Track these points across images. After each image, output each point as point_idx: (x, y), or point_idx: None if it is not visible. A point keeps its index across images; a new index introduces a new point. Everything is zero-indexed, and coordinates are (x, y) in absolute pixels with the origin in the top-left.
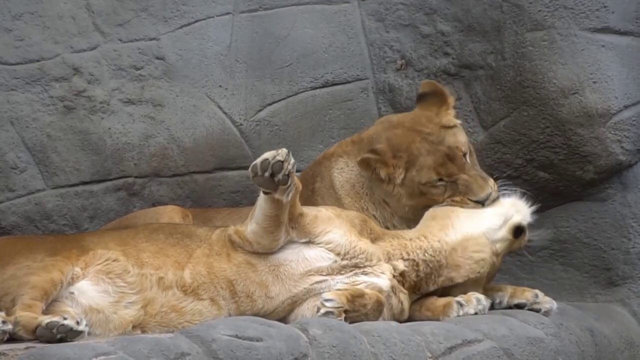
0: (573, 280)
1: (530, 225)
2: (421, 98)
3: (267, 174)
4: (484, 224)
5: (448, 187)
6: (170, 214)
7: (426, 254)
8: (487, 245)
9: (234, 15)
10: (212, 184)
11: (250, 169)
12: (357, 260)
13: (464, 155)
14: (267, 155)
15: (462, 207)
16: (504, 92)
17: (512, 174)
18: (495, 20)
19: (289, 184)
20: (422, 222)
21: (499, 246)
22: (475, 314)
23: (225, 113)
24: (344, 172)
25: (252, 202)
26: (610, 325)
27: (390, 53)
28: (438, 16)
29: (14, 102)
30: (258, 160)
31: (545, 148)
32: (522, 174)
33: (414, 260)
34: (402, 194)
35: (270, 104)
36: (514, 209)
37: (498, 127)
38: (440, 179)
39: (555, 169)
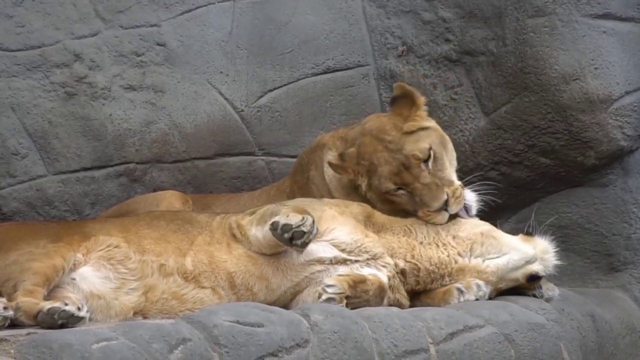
0: (574, 266)
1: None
2: (394, 101)
3: (286, 236)
4: (503, 259)
5: (410, 198)
6: (170, 199)
7: (431, 263)
8: (493, 283)
9: (235, 1)
10: (213, 169)
11: (270, 223)
12: (361, 258)
13: (424, 161)
14: (292, 220)
15: (429, 220)
16: (505, 78)
17: (513, 160)
18: (497, 7)
19: (304, 249)
20: (450, 225)
21: (505, 284)
22: (476, 300)
23: (226, 99)
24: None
25: (252, 188)
26: (611, 310)
27: (392, 39)
28: (439, 2)
29: (15, 89)
30: (281, 222)
31: (546, 134)
32: (524, 159)
33: (416, 264)
34: (374, 199)
35: (271, 90)
36: (540, 254)
37: (499, 113)
38: (400, 188)
39: (557, 154)
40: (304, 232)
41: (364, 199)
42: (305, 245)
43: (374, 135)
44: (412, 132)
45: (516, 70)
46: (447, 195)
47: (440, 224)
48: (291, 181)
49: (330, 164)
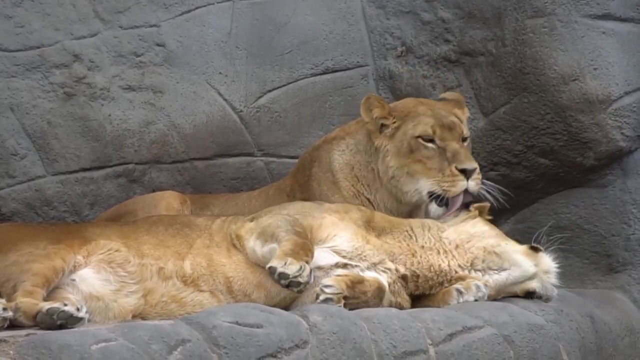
0: (573, 267)
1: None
2: (443, 99)
3: (283, 282)
4: (503, 275)
5: (437, 155)
6: (169, 199)
7: (431, 270)
8: (491, 296)
9: (234, 2)
10: (212, 170)
11: (268, 267)
12: (362, 265)
13: (464, 138)
14: (289, 270)
15: (452, 182)
16: (504, 78)
17: (512, 161)
18: (496, 7)
19: (300, 294)
20: (453, 228)
21: (503, 296)
22: (475, 301)
23: (225, 100)
24: (344, 154)
25: (251, 189)
26: (610, 311)
27: (391, 40)
28: (438, 3)
29: (14, 89)
30: (278, 269)
31: (545, 134)
32: (523, 160)
33: (415, 272)
34: (390, 149)
35: (270, 91)
36: (542, 273)
37: (498, 113)
38: (433, 140)
39: (556, 155)
40: (301, 283)
41: (369, 187)
42: (301, 292)
43: (419, 100)
44: (460, 117)
45: (515, 71)
46: (477, 167)
47: (454, 193)
48: (292, 180)
49: (368, 97)
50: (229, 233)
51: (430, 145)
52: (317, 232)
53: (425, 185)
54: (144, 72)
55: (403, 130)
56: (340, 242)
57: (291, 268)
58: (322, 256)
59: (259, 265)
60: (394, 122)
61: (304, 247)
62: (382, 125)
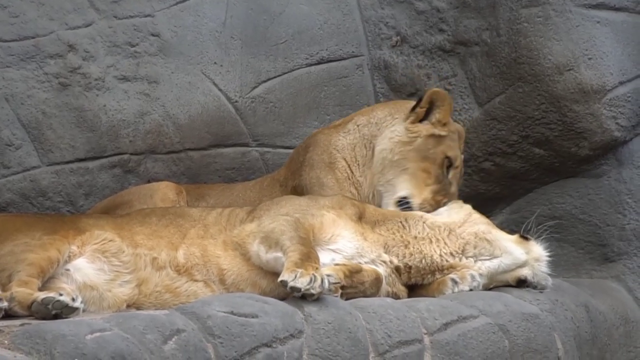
0: (568, 257)
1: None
2: None
3: (296, 294)
4: (495, 262)
5: (442, 181)
6: (165, 190)
7: (423, 261)
8: (483, 284)
9: None
10: (207, 160)
11: (279, 281)
12: (361, 260)
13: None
14: (299, 284)
15: (433, 207)
16: (499, 68)
17: (507, 150)
18: None
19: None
20: (447, 215)
21: (495, 285)
22: (470, 290)
23: (220, 90)
24: (349, 135)
25: (246, 179)
26: (605, 301)
27: (386, 30)
28: None
29: (8, 79)
30: (289, 283)
31: (540, 124)
32: (517, 150)
33: (407, 264)
34: (417, 142)
35: (265, 81)
36: (532, 261)
37: (493, 103)
38: (450, 168)
39: (551, 145)
40: (314, 294)
41: (360, 169)
42: (315, 300)
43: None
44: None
45: (510, 61)
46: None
47: (425, 206)
48: (286, 170)
49: (446, 96)
50: (230, 238)
51: (446, 163)
52: (319, 233)
53: (405, 190)
54: (139, 62)
55: (440, 141)
56: (343, 244)
57: (301, 281)
58: (323, 256)
59: (259, 266)
60: (443, 131)
61: (310, 256)
62: (425, 120)
